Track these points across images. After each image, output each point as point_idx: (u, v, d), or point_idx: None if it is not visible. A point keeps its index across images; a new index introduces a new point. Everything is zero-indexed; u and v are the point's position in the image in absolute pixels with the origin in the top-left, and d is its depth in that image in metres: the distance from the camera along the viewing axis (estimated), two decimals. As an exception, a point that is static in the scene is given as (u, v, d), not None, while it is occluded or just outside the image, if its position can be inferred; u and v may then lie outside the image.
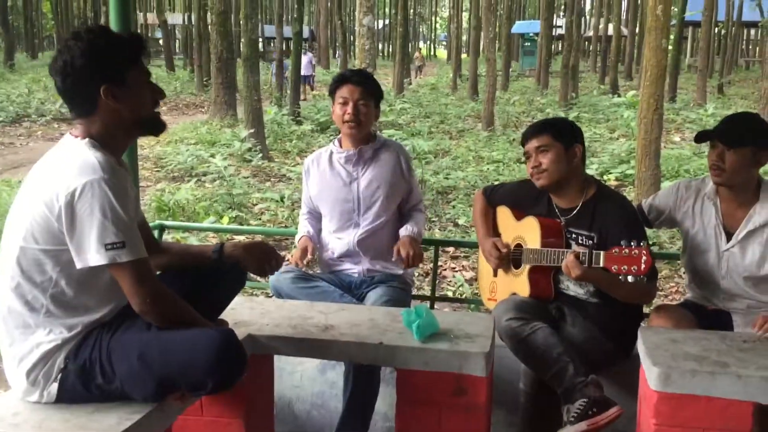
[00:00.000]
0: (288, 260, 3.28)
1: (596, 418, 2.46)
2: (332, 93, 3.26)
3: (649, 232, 3.43)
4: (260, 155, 12.29)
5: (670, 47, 12.82)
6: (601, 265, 2.54)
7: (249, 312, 2.75)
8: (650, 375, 2.27)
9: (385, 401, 2.99)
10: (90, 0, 42.02)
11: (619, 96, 21.92)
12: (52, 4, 45.26)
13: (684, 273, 3.15)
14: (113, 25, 3.15)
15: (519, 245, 3.00)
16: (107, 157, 1.98)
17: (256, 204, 9.19)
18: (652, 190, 7.02)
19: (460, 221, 8.24)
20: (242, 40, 14.80)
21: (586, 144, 2.96)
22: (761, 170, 2.85)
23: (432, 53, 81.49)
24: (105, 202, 1.88)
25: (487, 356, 2.39)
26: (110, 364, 2.01)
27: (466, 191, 9.72)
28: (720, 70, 29.03)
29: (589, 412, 2.48)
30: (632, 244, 2.47)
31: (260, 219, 8.49)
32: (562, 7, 35.55)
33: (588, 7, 49.07)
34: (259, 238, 6.85)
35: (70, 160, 1.95)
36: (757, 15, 18.77)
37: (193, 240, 6.65)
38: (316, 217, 3.44)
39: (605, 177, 10.58)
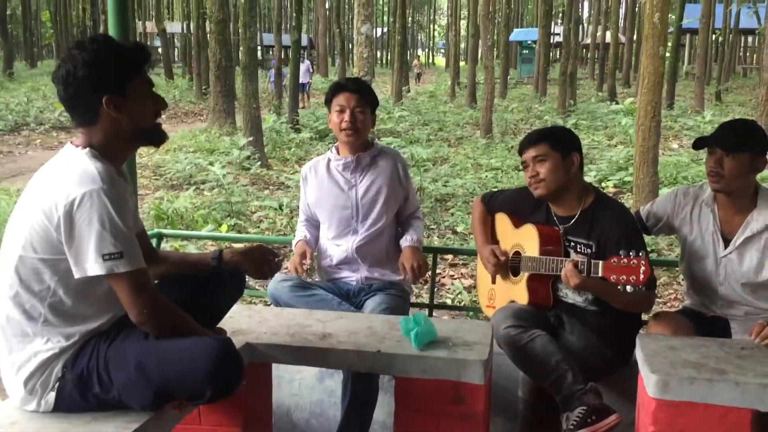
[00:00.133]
0: (286, 268, 3.29)
1: (595, 426, 2.46)
2: (328, 102, 3.28)
3: (647, 239, 3.43)
4: (259, 163, 12.30)
5: (667, 55, 12.87)
6: (600, 274, 2.54)
7: (247, 320, 2.75)
8: (648, 382, 2.27)
9: (384, 409, 2.99)
10: (89, 9, 42.09)
11: (617, 103, 21.97)
12: (51, 13, 45.37)
13: (682, 280, 3.15)
14: (112, 34, 3.16)
15: (517, 253, 3.01)
16: (107, 167, 1.98)
17: (255, 212, 9.19)
18: (650, 197, 7.03)
19: (459, 229, 8.24)
20: (241, 48, 14.84)
21: (585, 151, 2.96)
22: (759, 178, 2.86)
23: (430, 61, 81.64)
24: (104, 212, 1.88)
25: (485, 364, 2.39)
26: (108, 374, 2.00)
27: (464, 198, 9.73)
28: (717, 78, 29.12)
29: (588, 419, 2.47)
30: (631, 254, 2.47)
31: (259, 227, 8.49)
32: (560, 14, 35.68)
33: (586, 14, 49.24)
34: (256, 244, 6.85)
35: (70, 170, 1.95)
36: (754, 22, 18.84)
37: (191, 248, 6.65)
38: (313, 224, 3.44)
39: (603, 184, 10.59)
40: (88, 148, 2.01)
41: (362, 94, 3.21)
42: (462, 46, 46.88)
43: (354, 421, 2.91)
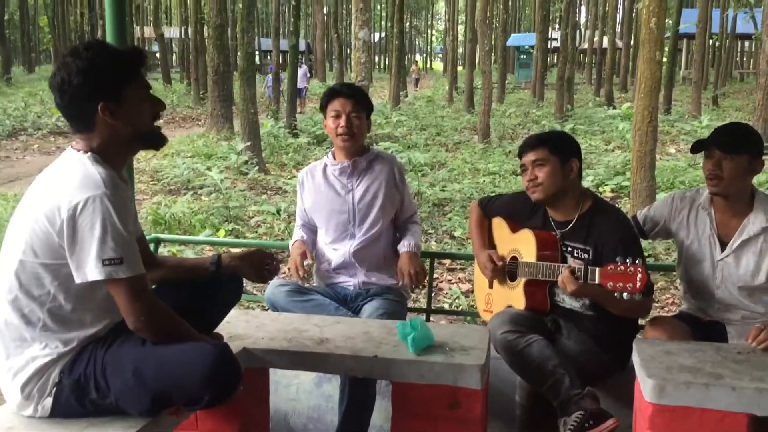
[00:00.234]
0: (284, 273, 3.29)
1: (592, 431, 2.45)
2: (324, 107, 3.29)
3: (644, 243, 3.43)
4: (257, 168, 12.31)
5: (664, 59, 12.90)
6: (597, 281, 2.55)
7: (244, 325, 2.75)
8: (645, 387, 2.27)
9: (381, 414, 2.99)
10: (87, 14, 42.13)
11: (615, 108, 22.00)
12: (49, 18, 45.34)
13: (679, 284, 3.16)
14: (110, 39, 3.16)
15: (514, 258, 3.01)
16: (109, 172, 1.98)
17: (253, 217, 9.20)
18: (647, 201, 7.03)
19: (456, 233, 8.25)
20: (239, 53, 14.84)
21: (582, 156, 2.97)
22: (756, 183, 2.87)
23: (428, 66, 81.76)
24: (106, 217, 1.88)
25: (482, 369, 2.39)
26: (105, 379, 2.00)
27: (462, 203, 9.73)
28: (714, 82, 29.18)
29: (586, 424, 2.47)
30: (627, 261, 2.47)
31: (256, 232, 8.49)
32: (558, 19, 35.76)
33: (583, 20, 49.33)
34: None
35: (72, 174, 1.95)
36: (751, 27, 18.87)
37: (189, 253, 6.65)
38: (310, 229, 3.45)
39: (601, 188, 10.62)
40: (90, 153, 2.01)
41: (357, 99, 3.23)
42: (460, 51, 47.01)
43: (351, 426, 2.91)
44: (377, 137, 16.80)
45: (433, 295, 4.34)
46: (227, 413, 2.51)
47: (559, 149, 2.87)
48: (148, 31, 39.31)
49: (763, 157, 2.81)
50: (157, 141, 2.16)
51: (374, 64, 57.40)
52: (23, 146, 15.54)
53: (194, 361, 1.96)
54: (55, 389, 2.01)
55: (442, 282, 6.56)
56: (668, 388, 2.21)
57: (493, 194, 3.47)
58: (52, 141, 16.30)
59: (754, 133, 2.88)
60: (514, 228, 3.08)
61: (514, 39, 42.83)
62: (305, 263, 3.25)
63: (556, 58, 35.43)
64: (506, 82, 33.10)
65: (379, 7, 61.72)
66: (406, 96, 31.25)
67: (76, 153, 2.02)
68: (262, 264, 2.51)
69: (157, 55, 37.27)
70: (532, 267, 2.85)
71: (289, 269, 3.30)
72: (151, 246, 3.71)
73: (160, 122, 2.18)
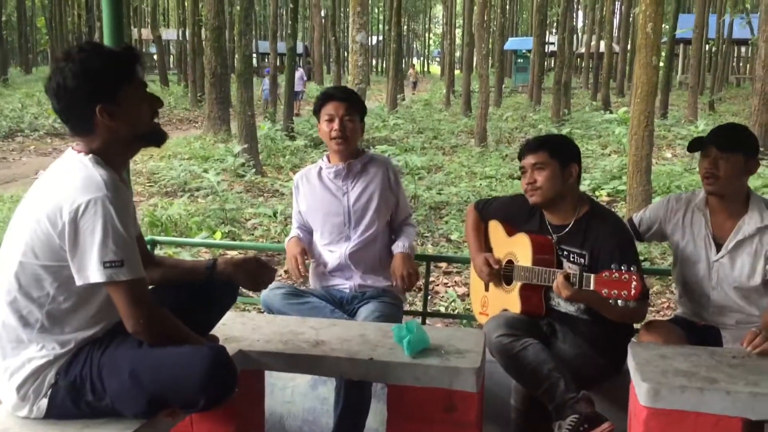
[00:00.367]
0: (280, 276, 3.29)
1: (587, 434, 2.46)
2: (317, 111, 3.30)
3: (640, 247, 3.44)
4: (253, 170, 12.30)
5: (661, 64, 12.93)
6: (592, 287, 2.55)
7: (240, 327, 2.74)
8: (640, 391, 2.27)
9: (376, 417, 2.99)
10: (84, 15, 42.11)
11: (611, 112, 22.06)
12: (46, 19, 45.31)
13: (675, 288, 3.17)
14: (107, 41, 3.16)
15: (510, 261, 3.01)
16: (111, 174, 1.98)
17: (249, 219, 9.19)
18: (643, 205, 7.03)
19: (453, 236, 8.25)
20: (236, 55, 14.83)
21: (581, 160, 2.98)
22: (752, 187, 2.89)
23: (426, 69, 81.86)
24: (108, 220, 1.88)
25: (477, 372, 2.39)
26: (101, 381, 2.00)
27: (458, 207, 9.74)
28: (711, 87, 29.25)
29: (581, 428, 2.48)
30: (623, 268, 2.47)
31: (253, 234, 8.48)
32: (555, 24, 35.82)
33: (580, 24, 49.43)
34: (251, 253, 6.85)
35: (73, 176, 1.95)
36: (747, 32, 18.92)
37: (185, 255, 6.65)
38: (307, 232, 3.45)
39: (597, 193, 10.63)
40: (90, 155, 2.01)
41: (350, 103, 3.23)
42: (457, 54, 47.06)
43: (347, 428, 2.91)
44: (374, 140, 16.81)
45: (429, 298, 4.34)
46: (222, 415, 2.51)
47: (560, 153, 2.87)
48: (146, 33, 39.33)
49: (758, 159, 2.84)
50: (157, 138, 2.15)
51: (372, 68, 57.45)
52: (20, 147, 15.52)
53: (191, 364, 1.96)
54: (50, 390, 2.01)
55: (438, 285, 6.57)
56: (663, 392, 2.22)
57: (490, 197, 3.48)
58: (49, 142, 16.28)
59: (750, 133, 2.92)
60: (511, 231, 3.09)
61: (512, 43, 42.89)
62: (304, 261, 3.25)
63: (553, 62, 35.45)
64: (503, 85, 33.17)
65: (376, 10, 61.80)
66: (404, 99, 31.27)
67: (77, 155, 2.02)
68: (256, 273, 2.50)
69: (155, 57, 37.29)
70: (527, 271, 2.86)
71: (285, 272, 3.29)
72: (148, 248, 3.70)
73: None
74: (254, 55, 29.20)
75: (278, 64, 24.81)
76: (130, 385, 1.97)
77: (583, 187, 10.16)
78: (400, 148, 15.26)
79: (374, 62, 64.73)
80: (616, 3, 38.00)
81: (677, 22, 20.97)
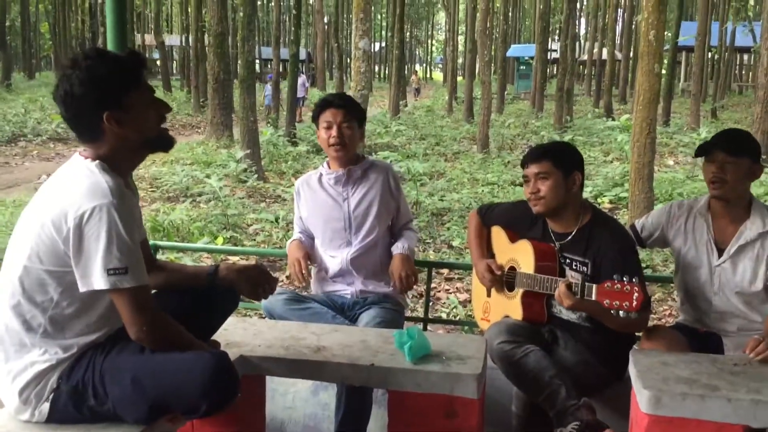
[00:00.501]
0: (282, 281, 3.29)
1: (588, 441, 2.46)
2: (316, 118, 3.30)
3: (642, 254, 3.44)
4: (255, 176, 12.32)
5: (663, 72, 12.95)
6: (593, 297, 2.54)
7: (241, 333, 2.75)
8: (641, 398, 2.27)
9: (377, 423, 2.98)
10: (88, 21, 42.24)
11: (613, 119, 22.06)
12: (50, 24, 45.45)
13: (677, 296, 3.17)
14: (111, 46, 3.17)
15: (513, 268, 3.01)
16: (117, 180, 1.99)
17: (251, 224, 9.20)
18: (645, 213, 7.01)
19: (455, 243, 8.25)
20: (239, 61, 14.88)
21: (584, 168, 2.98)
22: (754, 194, 2.90)
23: (428, 76, 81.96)
24: (112, 227, 1.88)
25: (478, 378, 2.39)
26: (103, 387, 2.00)
27: (460, 213, 9.74)
28: (713, 95, 29.26)
29: (582, 435, 2.47)
30: (624, 279, 2.46)
31: (255, 239, 8.49)
32: (557, 31, 35.87)
33: (582, 31, 49.52)
34: (253, 258, 6.86)
35: (79, 182, 1.95)
36: (750, 40, 18.94)
37: (187, 260, 6.64)
38: (309, 237, 3.45)
39: (599, 200, 10.63)
40: (97, 161, 2.01)
41: (348, 110, 3.24)
42: (460, 61, 47.12)
43: (348, 434, 2.91)
44: (376, 146, 16.83)
45: (430, 304, 4.34)
46: (224, 421, 2.51)
47: (563, 162, 2.86)
48: (149, 39, 39.45)
49: (762, 164, 2.86)
50: (165, 144, 2.15)
51: (374, 74, 57.53)
52: (22, 152, 15.54)
53: (193, 370, 1.96)
54: (52, 395, 2.01)
55: (439, 291, 6.56)
56: (664, 399, 2.22)
57: (493, 202, 3.47)
58: (52, 147, 16.31)
59: (754, 138, 2.94)
60: (513, 238, 3.08)
61: (514, 50, 42.96)
62: (307, 267, 3.25)
63: (555, 69, 35.55)
64: (506, 92, 33.19)
65: (379, 17, 61.94)
66: (406, 105, 31.32)
67: (83, 160, 2.02)
68: (258, 281, 2.49)
69: (158, 62, 37.34)
70: (529, 279, 2.86)
71: (287, 277, 3.29)
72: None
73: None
74: (257, 61, 29.24)
75: (281, 70, 24.86)
76: (131, 390, 1.97)
77: (585, 194, 10.12)
78: (403, 154, 15.27)
79: (377, 69, 64.83)
80: (619, 10, 38.08)
81: (680, 30, 20.96)
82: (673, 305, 6.01)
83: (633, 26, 30.63)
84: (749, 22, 18.73)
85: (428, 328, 3.83)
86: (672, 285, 5.84)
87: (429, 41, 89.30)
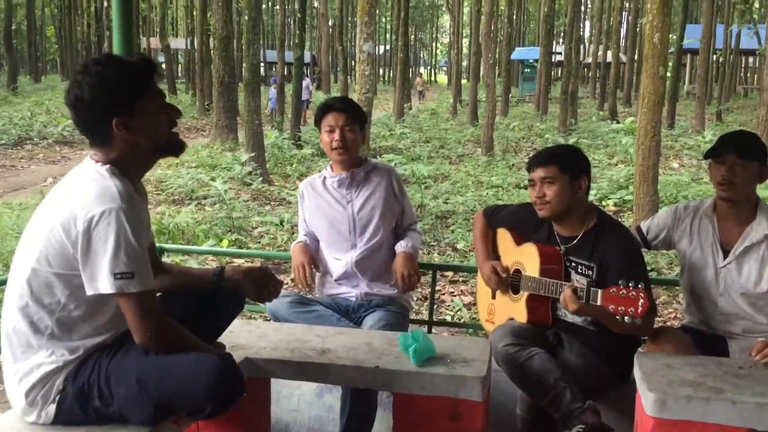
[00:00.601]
0: (287, 284, 3.29)
1: (593, 444, 2.45)
2: (318, 122, 3.32)
3: (647, 257, 3.44)
4: (260, 179, 12.34)
5: (668, 74, 12.93)
6: (599, 303, 2.52)
7: (247, 335, 2.75)
8: (646, 401, 2.27)
9: (382, 425, 2.99)
10: (94, 25, 42.41)
11: (618, 122, 22.04)
12: (56, 28, 45.70)
13: (682, 299, 3.17)
14: (116, 50, 3.19)
15: (518, 270, 3.01)
16: (126, 185, 1.99)
17: (256, 227, 9.21)
18: (650, 215, 6.98)
19: (459, 245, 8.25)
20: (244, 64, 14.91)
21: (591, 172, 2.97)
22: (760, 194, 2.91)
23: (433, 78, 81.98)
24: (120, 232, 1.89)
25: (483, 381, 2.39)
26: (108, 388, 2.01)
27: (465, 216, 9.74)
28: (718, 98, 29.22)
29: (586, 438, 2.47)
30: (630, 284, 2.44)
31: (259, 242, 8.50)
32: (562, 34, 35.84)
33: (587, 34, 49.48)
34: (258, 261, 6.87)
35: (90, 186, 1.96)
36: (755, 43, 18.90)
37: (192, 263, 6.66)
38: (314, 239, 3.46)
39: (604, 203, 10.62)
40: (108, 165, 2.02)
41: (350, 113, 3.25)
42: (464, 64, 47.19)
43: (353, 437, 2.91)
44: (381, 149, 16.84)
45: (435, 307, 4.34)
46: (229, 423, 2.51)
47: (569, 167, 2.84)
48: (154, 42, 39.49)
49: None
50: (175, 149, 2.16)
51: (379, 77, 57.59)
52: (29, 155, 15.60)
53: (198, 371, 1.97)
54: (58, 396, 2.02)
55: (444, 294, 6.56)
56: (669, 402, 2.22)
57: (499, 204, 3.47)
58: (58, 150, 16.36)
59: (761, 140, 2.96)
60: (519, 240, 3.08)
61: (519, 53, 42.92)
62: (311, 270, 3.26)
63: (560, 72, 35.49)
64: (510, 95, 33.14)
65: (384, 20, 62.01)
66: (410, 108, 31.32)
67: (94, 164, 2.03)
68: (263, 283, 2.50)
69: (163, 65, 37.42)
70: (534, 282, 2.86)
71: (292, 280, 3.30)
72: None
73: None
74: (262, 64, 29.31)
75: (286, 73, 24.90)
76: (137, 391, 1.98)
77: (590, 197, 10.14)
78: (407, 157, 15.27)
79: (381, 71, 64.87)
80: (623, 13, 38.01)
81: (684, 33, 20.94)
82: (678, 308, 6.00)
83: (638, 29, 30.61)
84: (754, 25, 18.66)
85: (433, 330, 3.83)
86: (677, 288, 5.84)
87: (433, 44, 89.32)
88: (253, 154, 12.75)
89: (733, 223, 2.87)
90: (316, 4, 41.73)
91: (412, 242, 3.33)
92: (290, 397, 3.25)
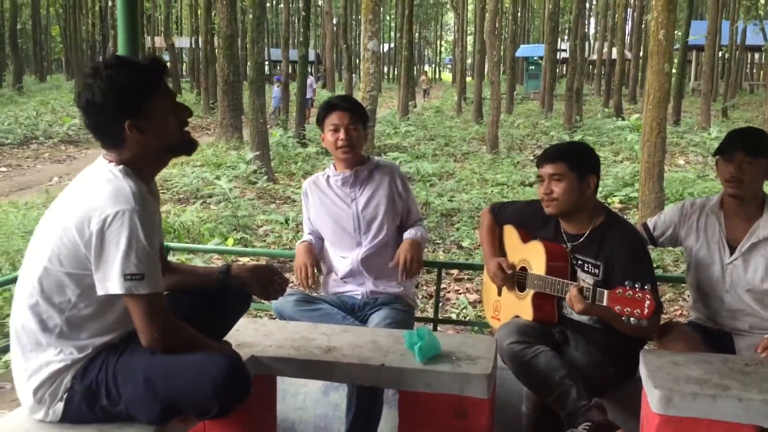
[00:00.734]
0: (293, 282, 3.30)
1: (599, 442, 2.45)
2: (321, 121, 3.31)
3: (653, 255, 3.43)
4: (265, 177, 12.35)
5: (673, 71, 12.90)
6: (605, 303, 2.51)
7: (252, 333, 2.76)
8: (652, 398, 2.27)
9: (388, 423, 2.99)
10: (99, 24, 42.48)
11: (623, 119, 21.98)
12: (61, 28, 45.79)
13: (688, 296, 3.17)
14: (121, 49, 3.19)
15: (524, 268, 3.01)
16: (140, 185, 2.00)
17: (261, 226, 9.23)
18: (655, 213, 6.98)
19: (464, 243, 8.25)
20: (249, 63, 14.93)
21: (600, 170, 2.96)
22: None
23: (437, 76, 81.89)
24: (133, 233, 1.90)
25: (488, 378, 2.39)
26: (116, 387, 2.02)
27: (470, 213, 9.74)
28: (724, 94, 29.11)
29: (593, 435, 2.47)
30: (636, 286, 2.43)
31: (265, 241, 8.52)
32: (567, 31, 35.77)
33: (592, 31, 49.35)
34: (263, 259, 6.88)
35: (103, 186, 1.96)
36: (761, 39, 18.84)
37: (197, 262, 6.68)
38: (318, 238, 3.47)
39: (609, 200, 10.60)
40: (121, 165, 2.02)
41: (354, 112, 3.26)
42: (468, 61, 47.12)
43: (358, 434, 2.92)
44: (385, 147, 16.84)
45: (440, 304, 4.34)
46: (235, 421, 2.52)
47: (579, 165, 2.83)
48: (159, 41, 39.59)
49: None
50: (187, 148, 2.16)
51: (383, 75, 57.56)
52: (34, 155, 15.65)
53: (205, 372, 1.97)
54: (66, 394, 2.03)
55: (449, 292, 6.56)
56: (675, 399, 2.21)
57: (506, 200, 3.46)
58: (63, 150, 16.42)
59: None
60: (525, 238, 3.08)
61: (523, 50, 42.87)
62: (312, 274, 3.26)
63: (565, 69, 35.45)
64: (515, 92, 33.12)
65: (388, 17, 61.94)
66: (415, 106, 31.30)
67: (107, 164, 2.03)
68: (269, 280, 2.51)
69: (168, 64, 37.46)
70: (541, 280, 2.85)
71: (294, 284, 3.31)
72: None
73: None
74: (266, 62, 29.34)
75: (290, 71, 24.91)
76: (144, 391, 1.99)
77: (595, 194, 10.12)
78: (412, 155, 15.27)
79: (386, 69, 64.84)
80: (628, 10, 37.93)
81: (690, 29, 20.87)
82: (684, 305, 5.99)
83: (643, 25, 30.50)
84: (760, 21, 18.59)
85: (438, 328, 3.83)
86: (683, 285, 5.83)
87: (438, 42, 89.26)
88: (258, 153, 12.77)
89: (740, 219, 2.86)
90: (320, 3, 41.77)
91: (420, 233, 3.33)
92: (296, 395, 3.26)
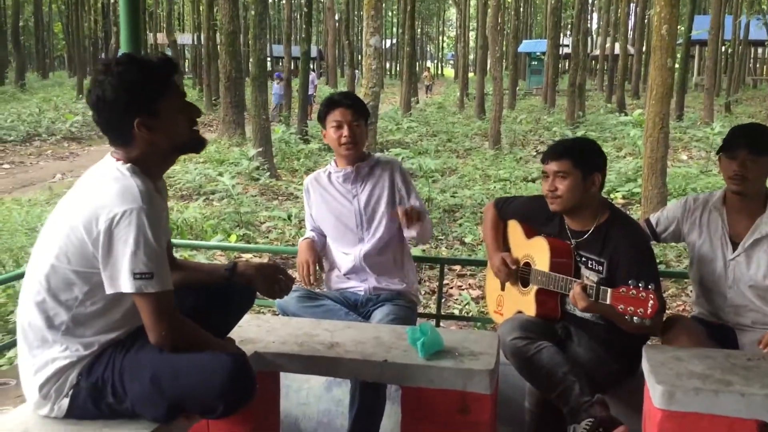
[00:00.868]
0: (296, 279, 3.30)
1: (602, 437, 2.46)
2: (323, 118, 3.30)
3: (656, 250, 3.43)
4: (268, 174, 12.36)
5: (676, 66, 12.87)
6: (608, 302, 2.51)
7: (256, 329, 2.77)
8: (654, 393, 2.27)
9: (391, 419, 3.00)
10: (101, 21, 42.50)
11: (626, 114, 21.94)
12: (63, 24, 45.77)
13: (691, 291, 3.17)
14: (124, 46, 3.20)
15: (528, 264, 3.01)
16: (147, 183, 2.00)
17: (264, 222, 9.23)
18: (658, 208, 6.96)
19: (467, 239, 8.24)
20: (251, 59, 14.93)
21: (606, 167, 2.94)
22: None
23: (439, 72, 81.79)
24: (141, 232, 1.90)
25: (491, 374, 2.40)
26: (122, 384, 2.02)
27: (472, 209, 9.74)
28: (727, 89, 29.05)
29: (596, 431, 2.47)
30: (640, 285, 2.42)
31: (267, 237, 8.53)
32: (569, 26, 35.69)
33: (594, 26, 49.25)
34: (266, 256, 6.89)
35: (111, 185, 1.97)
36: (764, 33, 18.82)
37: (200, 258, 6.69)
38: (321, 234, 3.47)
39: (612, 195, 10.59)
40: (129, 164, 2.03)
41: (356, 108, 3.26)
42: (471, 57, 46.98)
43: (361, 430, 2.92)
44: (388, 143, 16.83)
45: (443, 300, 4.35)
46: (238, 417, 2.52)
47: (584, 163, 2.81)
48: (161, 38, 39.59)
49: None
50: (196, 146, 2.17)
51: (385, 71, 57.48)
52: (37, 152, 15.67)
53: (212, 372, 1.98)
54: (72, 391, 2.03)
55: (452, 288, 6.57)
56: (678, 395, 2.22)
57: (510, 195, 3.46)
58: (66, 146, 16.44)
59: None
60: (529, 233, 3.07)
61: (526, 45, 42.82)
62: (313, 273, 3.26)
63: (567, 65, 35.39)
64: (517, 88, 33.07)
65: (390, 13, 61.90)
66: (417, 102, 31.28)
67: (115, 162, 2.04)
68: (274, 279, 2.52)
69: (171, 61, 37.41)
70: (544, 276, 2.85)
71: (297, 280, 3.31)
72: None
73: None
74: (268, 58, 29.33)
75: (292, 67, 24.90)
76: (150, 389, 1.99)
77: (598, 189, 10.10)
78: (414, 151, 15.26)
79: (388, 65, 64.74)
80: (631, 5, 37.80)
81: (693, 24, 20.81)
82: (686, 301, 5.99)
83: (646, 20, 30.45)
84: (763, 15, 18.58)
85: (441, 324, 3.84)
86: (686, 281, 5.83)
87: (440, 37, 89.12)
88: (260, 149, 12.77)
89: (743, 215, 2.86)
90: (322, -1, 41.71)
91: (425, 215, 3.20)
92: (299, 391, 3.27)
